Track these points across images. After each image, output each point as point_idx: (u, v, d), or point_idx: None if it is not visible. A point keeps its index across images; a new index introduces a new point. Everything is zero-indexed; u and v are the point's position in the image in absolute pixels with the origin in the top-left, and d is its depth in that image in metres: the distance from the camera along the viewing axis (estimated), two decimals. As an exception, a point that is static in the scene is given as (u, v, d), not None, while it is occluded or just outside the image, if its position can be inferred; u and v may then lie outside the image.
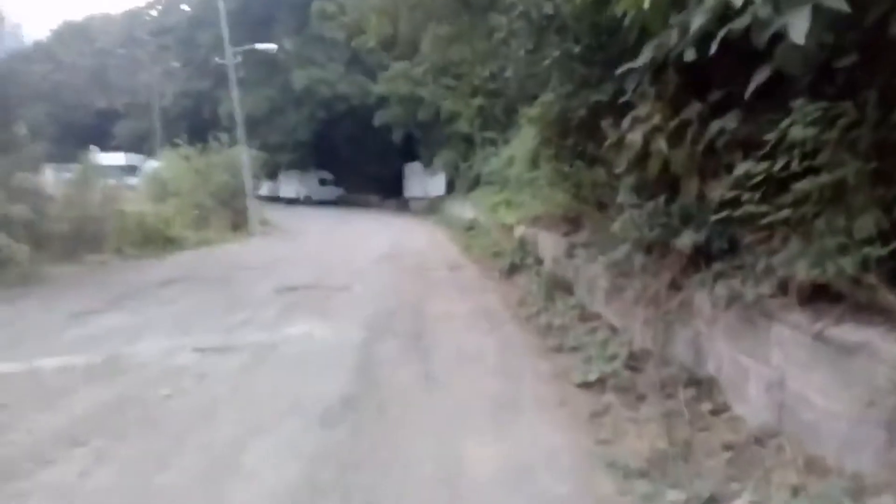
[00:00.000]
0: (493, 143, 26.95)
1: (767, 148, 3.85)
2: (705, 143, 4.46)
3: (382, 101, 35.18)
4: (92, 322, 7.14)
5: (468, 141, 31.31)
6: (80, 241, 13.01)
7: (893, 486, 2.62)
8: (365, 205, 41.29)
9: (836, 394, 3.01)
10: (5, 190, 11.66)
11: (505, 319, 7.29)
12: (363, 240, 18.97)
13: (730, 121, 4.31)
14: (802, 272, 3.26)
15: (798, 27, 2.70)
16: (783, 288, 3.65)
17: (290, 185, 43.38)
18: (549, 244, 9.78)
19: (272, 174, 41.36)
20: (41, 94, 18.54)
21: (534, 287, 8.73)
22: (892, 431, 2.70)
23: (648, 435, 3.63)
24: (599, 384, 4.64)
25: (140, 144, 44.93)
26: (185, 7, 48.91)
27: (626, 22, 4.39)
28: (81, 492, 3.18)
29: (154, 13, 54.22)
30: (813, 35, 2.72)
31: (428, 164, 36.27)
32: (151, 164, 28.79)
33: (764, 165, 3.60)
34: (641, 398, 4.29)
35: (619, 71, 4.86)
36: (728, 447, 3.40)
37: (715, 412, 3.87)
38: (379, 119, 35.16)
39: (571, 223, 8.95)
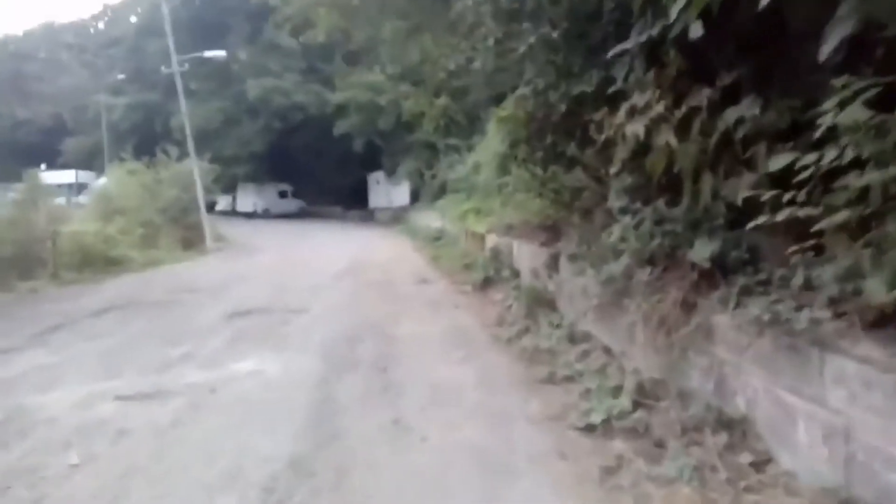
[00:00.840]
0: (457, 150, 26.24)
1: (802, 137, 3.18)
2: (719, 134, 3.75)
3: (341, 109, 34.22)
4: (3, 364, 6.09)
5: (432, 148, 30.58)
6: (25, 264, 11.95)
7: None
8: (327, 216, 40.11)
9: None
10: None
11: (483, 343, 6.48)
12: (324, 254, 17.99)
13: (749, 107, 3.60)
14: (879, 292, 2.53)
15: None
16: (834, 308, 2.95)
17: (247, 199, 41.91)
18: (526, 255, 9.03)
19: (229, 188, 39.97)
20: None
21: (512, 303, 7.97)
22: None
23: (682, 502, 2.86)
24: (605, 427, 3.87)
25: (90, 161, 43.01)
26: (133, 18, 47.19)
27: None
28: None
29: (101, 25, 52.33)
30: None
31: (391, 173, 35.43)
32: (100, 182, 27.32)
33: (811, 157, 2.88)
34: (661, 446, 3.53)
35: (610, 54, 4.14)
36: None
37: (757, 466, 3.12)
38: (339, 129, 34.15)
39: (549, 232, 8.21)
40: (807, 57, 3.23)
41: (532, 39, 5.38)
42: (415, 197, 32.60)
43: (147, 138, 34.78)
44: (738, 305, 3.63)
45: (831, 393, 2.84)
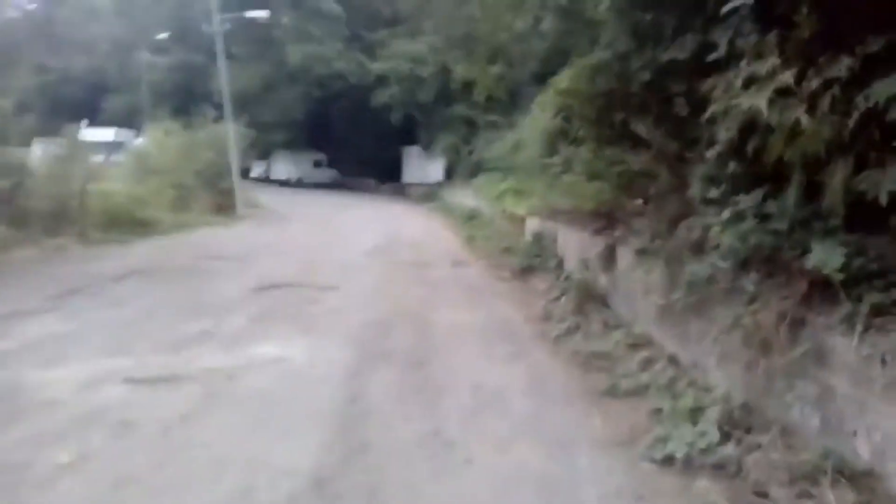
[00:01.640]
0: (496, 126, 25.46)
1: None
2: (859, 113, 3.01)
3: (381, 80, 33.45)
4: (15, 329, 5.65)
5: (470, 124, 29.81)
6: (55, 221, 11.74)
7: None
8: (360, 189, 39.59)
9: None
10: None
11: (529, 339, 5.85)
12: (357, 227, 17.48)
13: (906, 81, 2.85)
14: None
15: None
16: None
17: (282, 167, 41.62)
18: (574, 243, 8.33)
19: (265, 154, 39.80)
20: (30, 66, 17.83)
21: (558, 295, 7.31)
22: None
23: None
24: (686, 461, 3.21)
25: (131, 120, 43.08)
26: (178, -22, 46.85)
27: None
28: None
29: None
30: None
31: (427, 147, 34.70)
32: (138, 141, 27.20)
33: None
34: (762, 495, 2.87)
35: (726, 8, 3.39)
36: None
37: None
38: (377, 99, 33.41)
39: (603, 219, 7.50)
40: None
41: (616, -5, 4.61)
42: (449, 174, 31.94)
43: (187, 100, 34.57)
44: (868, 328, 2.94)
45: None
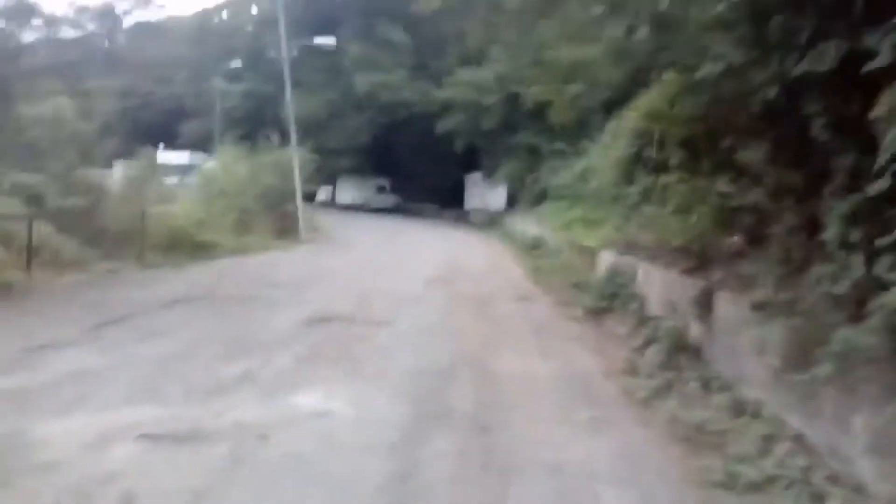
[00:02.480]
0: (561, 154, 24.67)
1: None
2: None
3: (445, 108, 33.28)
4: (40, 363, 5.22)
5: (534, 152, 29.15)
6: (115, 244, 11.69)
7: None
8: (422, 214, 39.32)
9: None
10: (64, 183, 11.43)
11: (612, 400, 4.98)
12: (417, 255, 16.93)
13: None
14: None
15: None
16: None
17: (347, 191, 42.08)
18: (658, 282, 7.42)
19: (330, 179, 40.27)
20: (114, 91, 18.92)
21: (641, 343, 6.41)
22: None
23: None
24: None
25: (204, 145, 44.63)
26: (254, 9, 48.58)
27: None
28: None
29: (224, 15, 54.27)
30: None
31: (490, 175, 34.23)
32: (208, 165, 27.83)
33: None
34: None
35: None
36: None
37: None
38: (441, 127, 33.21)
39: (695, 258, 6.58)
40: None
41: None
42: (511, 201, 31.37)
43: (257, 126, 35.32)
44: None
45: None
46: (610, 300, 8.55)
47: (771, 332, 4.01)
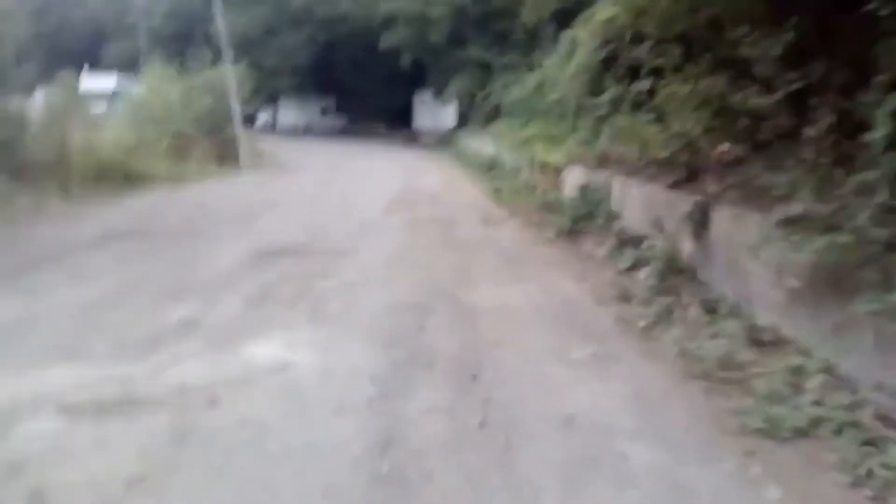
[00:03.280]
0: (513, 68, 23.59)
1: None
2: None
3: (389, 22, 31.29)
4: (-62, 319, 4.37)
5: (485, 67, 27.92)
6: (52, 174, 10.62)
7: None
8: (370, 136, 37.83)
9: None
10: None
11: (609, 331, 4.46)
12: (369, 179, 16.03)
13: None
14: None
15: None
16: None
17: (289, 114, 40.06)
18: (639, 199, 6.88)
19: (271, 101, 38.14)
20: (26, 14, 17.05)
21: (628, 265, 5.92)
22: None
23: None
24: None
25: (131, 67, 41.53)
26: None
27: None
28: None
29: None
30: None
31: (439, 93, 32.82)
32: (135, 89, 25.61)
33: None
34: None
35: None
36: None
37: None
38: (385, 42, 31.33)
39: (684, 170, 6.03)
40: None
41: None
42: (463, 120, 30.29)
43: (186, 45, 32.77)
44: None
45: None
46: (584, 220, 8.01)
47: (798, 251, 3.49)
